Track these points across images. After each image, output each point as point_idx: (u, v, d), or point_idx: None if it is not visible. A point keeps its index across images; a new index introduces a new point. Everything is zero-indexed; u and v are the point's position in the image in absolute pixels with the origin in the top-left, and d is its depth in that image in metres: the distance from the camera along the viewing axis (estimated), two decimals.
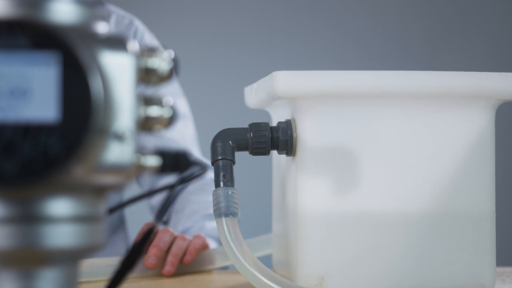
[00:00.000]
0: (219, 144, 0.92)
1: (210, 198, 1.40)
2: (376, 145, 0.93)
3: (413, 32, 2.99)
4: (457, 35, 2.99)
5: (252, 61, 2.92)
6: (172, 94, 1.56)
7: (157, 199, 1.54)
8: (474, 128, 0.94)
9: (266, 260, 1.05)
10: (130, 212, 1.75)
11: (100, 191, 0.52)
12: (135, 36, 1.54)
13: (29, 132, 0.47)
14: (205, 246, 1.14)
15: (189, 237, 1.15)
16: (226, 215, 0.89)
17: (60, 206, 0.51)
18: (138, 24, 1.56)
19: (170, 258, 1.08)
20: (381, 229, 0.92)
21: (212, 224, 1.34)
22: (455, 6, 3.00)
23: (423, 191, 0.93)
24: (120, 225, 1.61)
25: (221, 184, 0.91)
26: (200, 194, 1.45)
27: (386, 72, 0.92)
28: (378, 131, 0.93)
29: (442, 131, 0.94)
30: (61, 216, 0.51)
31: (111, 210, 0.60)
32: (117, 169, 0.51)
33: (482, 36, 2.99)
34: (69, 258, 0.52)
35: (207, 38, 2.93)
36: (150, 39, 1.56)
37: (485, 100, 0.94)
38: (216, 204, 0.90)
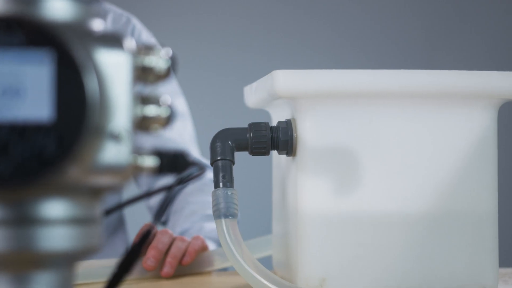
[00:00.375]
0: (218, 144, 0.92)
1: (209, 198, 1.39)
2: (376, 145, 0.92)
3: (412, 32, 2.98)
4: (456, 35, 2.99)
5: (252, 60, 2.92)
6: (171, 93, 1.55)
7: (156, 200, 1.53)
8: (476, 127, 0.94)
9: (266, 261, 1.05)
10: (129, 213, 1.75)
11: (96, 192, 0.51)
12: (132, 35, 1.53)
13: (22, 132, 0.46)
14: (204, 248, 1.13)
15: (188, 238, 1.14)
16: (226, 216, 0.89)
17: (55, 208, 0.50)
18: (136, 22, 1.55)
19: (168, 259, 1.08)
20: (382, 229, 0.92)
21: (211, 225, 1.34)
22: (453, 6, 2.99)
23: (424, 191, 0.93)
24: (119, 226, 1.60)
25: (221, 184, 0.90)
26: (198, 195, 1.44)
27: (387, 71, 0.92)
28: (378, 131, 0.92)
29: (443, 130, 0.93)
30: (56, 218, 0.50)
31: (109, 212, 0.59)
32: (113, 169, 0.50)
33: (480, 36, 2.99)
34: (64, 261, 0.51)
35: (206, 37, 2.93)
36: (148, 38, 1.55)
37: (487, 100, 0.93)
38: (216, 205, 0.90)
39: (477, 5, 3.00)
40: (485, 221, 0.93)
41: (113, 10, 1.55)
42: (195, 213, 1.38)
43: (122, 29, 1.53)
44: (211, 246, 1.25)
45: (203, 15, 2.94)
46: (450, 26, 2.99)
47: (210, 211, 1.35)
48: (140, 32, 1.54)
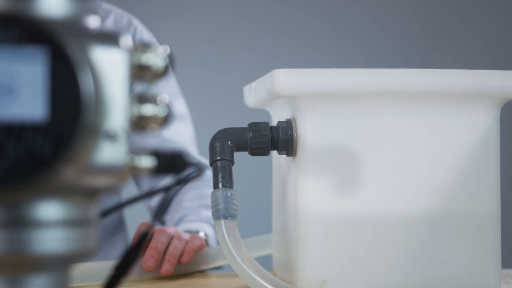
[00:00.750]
0: (217, 144, 0.91)
1: (208, 191, 1.40)
2: (378, 145, 0.91)
3: (412, 32, 2.98)
4: (456, 35, 2.98)
5: (251, 60, 2.91)
6: (170, 95, 1.55)
7: (156, 201, 1.53)
8: (478, 127, 0.93)
9: (266, 262, 1.04)
10: (129, 214, 1.74)
11: (91, 193, 0.50)
12: (134, 35, 1.53)
13: (15, 131, 0.45)
14: (202, 246, 1.13)
15: (185, 224, 1.14)
16: (225, 217, 0.88)
17: (49, 210, 0.48)
18: (137, 24, 1.55)
19: (167, 257, 1.07)
20: (383, 230, 0.91)
21: (208, 213, 1.34)
22: (454, 6, 2.99)
23: (426, 191, 0.92)
24: (119, 227, 1.59)
25: (220, 185, 0.90)
26: (198, 188, 1.44)
27: (389, 70, 0.91)
28: (380, 131, 0.91)
29: (445, 130, 0.92)
30: (51, 220, 0.48)
31: (105, 213, 0.58)
32: (110, 170, 0.48)
33: (480, 36, 2.98)
34: (59, 264, 0.50)
35: (206, 37, 2.92)
36: (149, 39, 1.55)
37: (489, 99, 0.93)
38: (215, 206, 0.89)
39: (477, 5, 2.99)
40: (487, 222, 0.93)
41: (114, 11, 1.55)
42: (193, 201, 1.38)
43: (123, 29, 1.52)
44: (208, 229, 1.25)
45: (203, 15, 2.93)
46: (450, 26, 2.98)
47: (208, 201, 1.35)
48: (141, 33, 1.54)
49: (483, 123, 0.93)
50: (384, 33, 2.99)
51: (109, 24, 1.52)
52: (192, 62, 2.89)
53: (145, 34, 1.55)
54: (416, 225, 0.92)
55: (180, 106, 1.56)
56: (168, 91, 1.54)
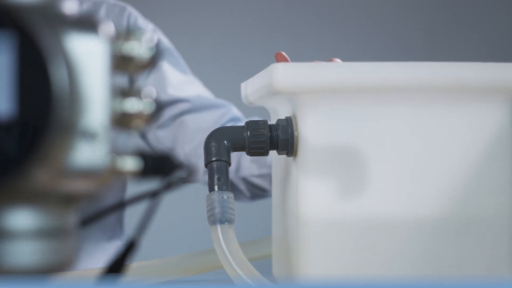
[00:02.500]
0: (213, 144, 0.89)
1: None
2: (383, 144, 0.89)
3: (413, 33, 2.99)
4: (457, 35, 2.98)
5: (249, 55, 2.91)
6: (187, 84, 1.57)
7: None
8: (490, 124, 0.90)
9: (267, 267, 1.02)
10: (129, 216, 1.71)
11: (68, 199, 0.46)
12: (128, 22, 1.52)
13: None
14: None
15: None
16: (221, 222, 0.86)
17: (20, 218, 0.45)
18: (131, 10, 1.55)
19: None
20: (389, 234, 0.89)
21: None
22: (455, 5, 2.99)
23: (436, 194, 0.89)
24: (118, 231, 1.57)
25: (216, 188, 0.87)
26: None
27: (395, 63, 0.88)
28: (385, 129, 0.89)
29: (456, 128, 0.90)
30: (22, 230, 0.45)
31: (86, 222, 0.54)
32: (88, 173, 0.45)
33: (482, 36, 2.98)
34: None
35: (201, 33, 2.93)
36: (144, 24, 1.54)
37: (503, 94, 0.90)
38: (210, 210, 0.87)
39: (479, 5, 2.99)
40: (500, 225, 0.90)
41: (107, 1, 1.54)
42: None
43: (117, 17, 1.51)
44: None
45: (198, 11, 2.93)
46: (451, 26, 2.99)
47: None
48: (136, 19, 1.54)
49: (495, 120, 0.90)
50: (386, 29, 2.99)
51: (102, 14, 1.52)
52: (187, 58, 2.88)
53: (140, 20, 1.54)
54: (424, 229, 0.89)
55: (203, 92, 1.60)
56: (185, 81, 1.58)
